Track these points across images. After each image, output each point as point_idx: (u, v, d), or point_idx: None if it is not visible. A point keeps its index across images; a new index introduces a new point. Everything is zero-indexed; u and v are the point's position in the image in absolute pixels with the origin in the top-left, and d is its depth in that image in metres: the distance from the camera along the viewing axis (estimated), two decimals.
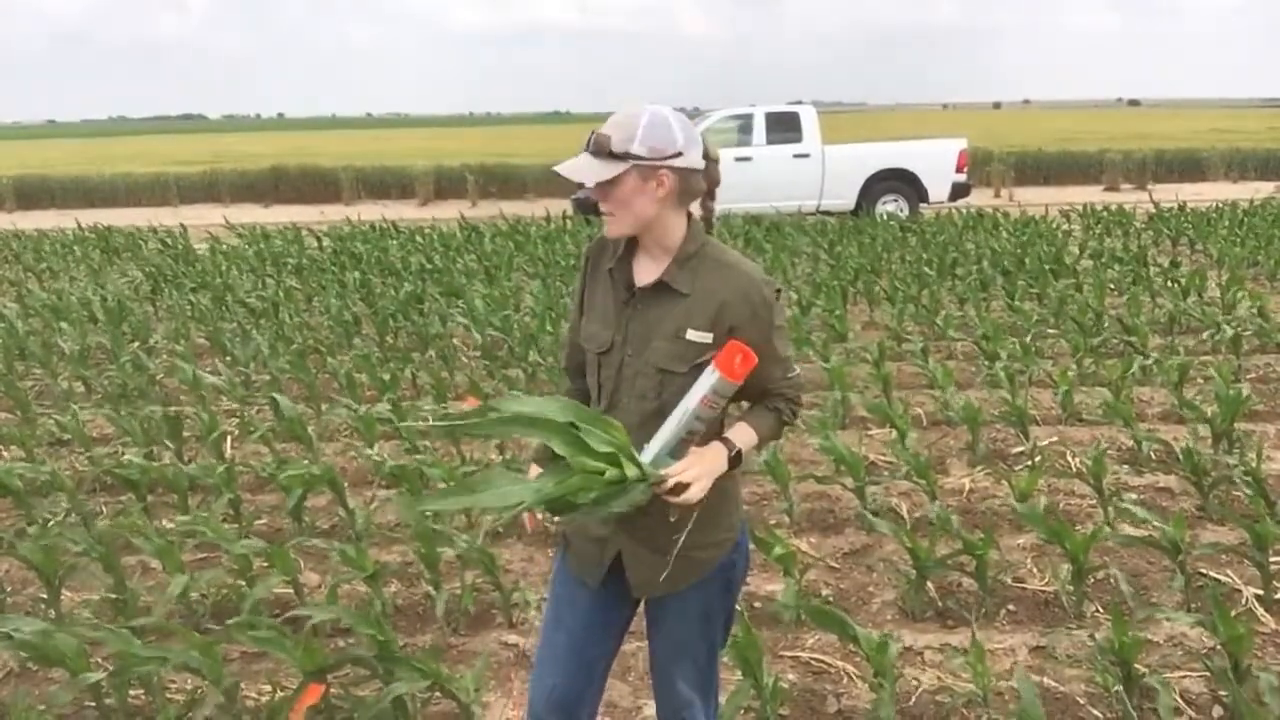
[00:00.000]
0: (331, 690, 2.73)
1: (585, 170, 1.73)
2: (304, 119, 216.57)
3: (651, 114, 1.74)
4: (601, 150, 1.73)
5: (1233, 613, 2.71)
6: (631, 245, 1.87)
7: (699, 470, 1.70)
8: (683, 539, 1.76)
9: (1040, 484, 4.13)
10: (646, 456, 1.65)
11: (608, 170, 1.72)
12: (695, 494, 1.68)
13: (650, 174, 1.73)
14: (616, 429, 1.59)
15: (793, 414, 1.92)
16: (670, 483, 1.65)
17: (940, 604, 3.37)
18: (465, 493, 1.53)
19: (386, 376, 5.78)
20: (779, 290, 1.83)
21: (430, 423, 1.77)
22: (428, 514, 3.49)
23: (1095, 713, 2.77)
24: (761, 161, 13.51)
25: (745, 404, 1.92)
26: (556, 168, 1.79)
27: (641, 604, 2.00)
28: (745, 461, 1.86)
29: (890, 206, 13.76)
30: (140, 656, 2.61)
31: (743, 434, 1.83)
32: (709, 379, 1.69)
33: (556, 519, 2.04)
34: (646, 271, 1.85)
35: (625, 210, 1.76)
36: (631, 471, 1.57)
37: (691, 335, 1.77)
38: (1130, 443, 4.72)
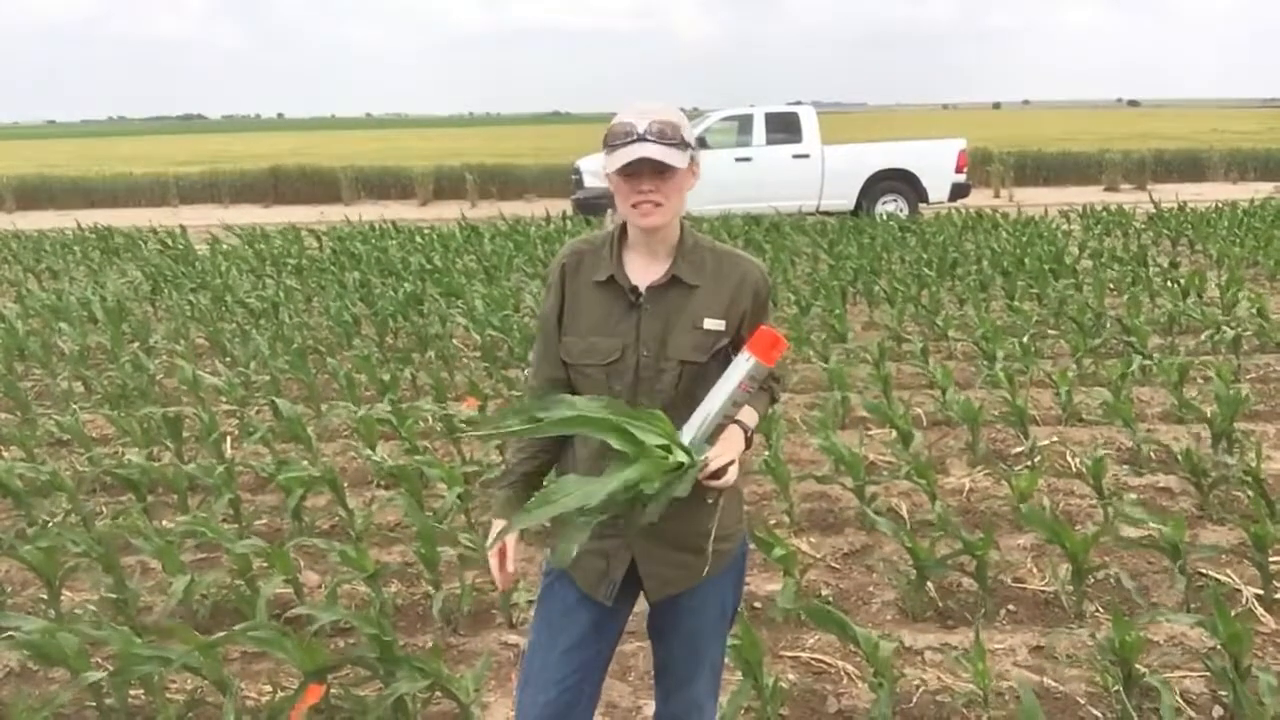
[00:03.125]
0: (331, 690, 2.72)
1: (670, 156, 1.72)
2: (304, 119, 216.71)
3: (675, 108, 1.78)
4: (674, 139, 1.73)
5: (1232, 613, 2.70)
6: (618, 250, 1.86)
7: (733, 453, 1.72)
8: (715, 528, 1.78)
9: (1040, 484, 4.13)
10: (684, 444, 1.67)
11: (683, 157, 1.75)
12: (733, 476, 1.70)
13: (693, 165, 1.79)
14: (660, 419, 1.61)
15: (779, 392, 1.98)
16: (713, 467, 1.67)
17: (940, 604, 3.38)
18: (547, 504, 1.55)
19: (386, 377, 5.78)
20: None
21: (486, 431, 1.76)
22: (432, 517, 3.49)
23: (1095, 713, 2.77)
24: (761, 162, 13.53)
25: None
26: (648, 154, 1.70)
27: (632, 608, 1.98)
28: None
29: (890, 207, 13.77)
30: (141, 656, 2.61)
31: (749, 416, 1.85)
32: (745, 365, 1.73)
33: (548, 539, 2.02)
34: (644, 271, 1.84)
35: (677, 198, 1.79)
36: (684, 458, 1.61)
37: (708, 324, 1.80)
38: (1130, 443, 4.72)
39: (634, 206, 1.77)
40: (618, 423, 1.56)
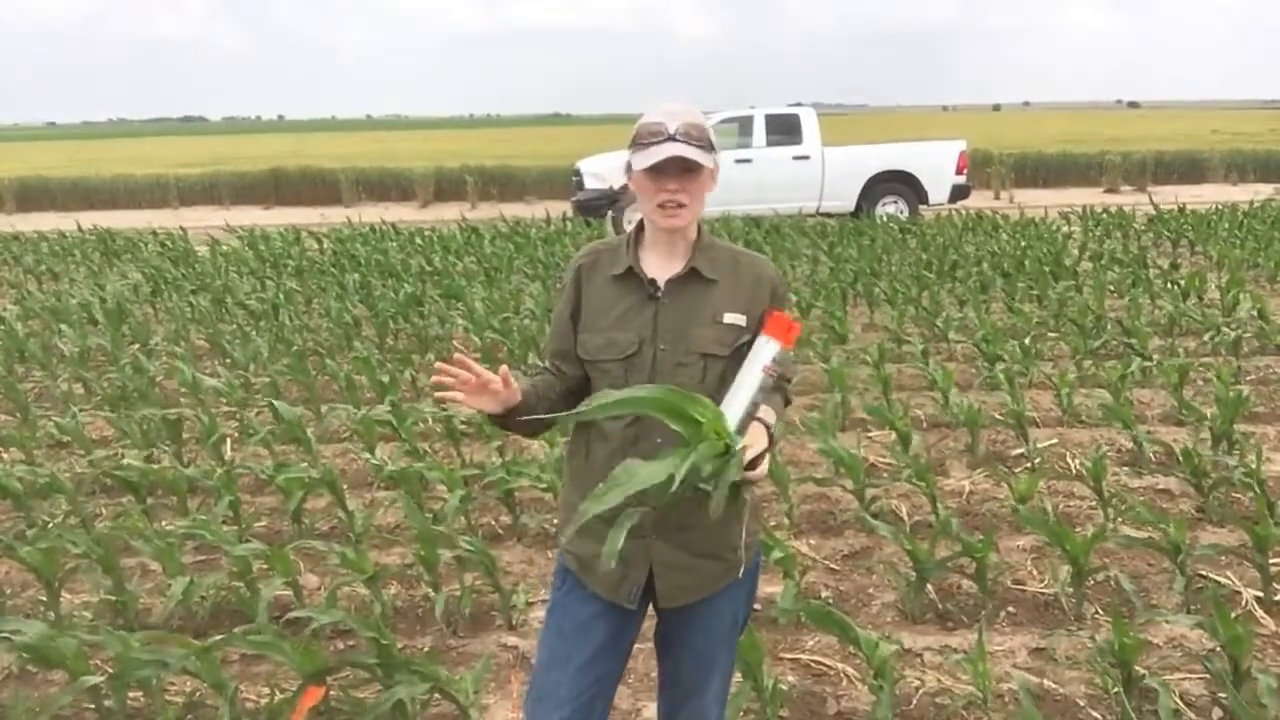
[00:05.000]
0: (331, 692, 2.72)
1: (699, 156, 1.74)
2: (304, 121, 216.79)
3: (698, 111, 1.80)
4: (701, 140, 1.75)
5: (1232, 614, 2.70)
6: (636, 249, 1.88)
7: (761, 445, 1.70)
8: (745, 534, 1.78)
9: (1040, 486, 4.13)
10: None
11: (709, 158, 1.77)
12: (765, 469, 1.69)
13: (715, 167, 1.82)
14: (706, 403, 1.58)
15: (790, 393, 1.99)
16: (750, 455, 1.64)
17: (940, 606, 3.37)
18: (617, 487, 1.51)
19: (386, 379, 5.78)
20: None
21: (556, 414, 1.70)
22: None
23: (1095, 715, 2.76)
24: (762, 163, 13.52)
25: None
26: (680, 153, 1.72)
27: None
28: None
29: (890, 208, 13.77)
30: (140, 660, 2.61)
31: (768, 414, 1.84)
32: (768, 350, 1.74)
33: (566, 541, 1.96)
34: (662, 268, 1.85)
35: (699, 200, 1.81)
36: (735, 443, 1.59)
37: (729, 318, 1.82)
38: (1130, 445, 4.72)
39: (660, 206, 1.78)
40: (673, 403, 1.54)
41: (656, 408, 1.55)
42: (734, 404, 1.71)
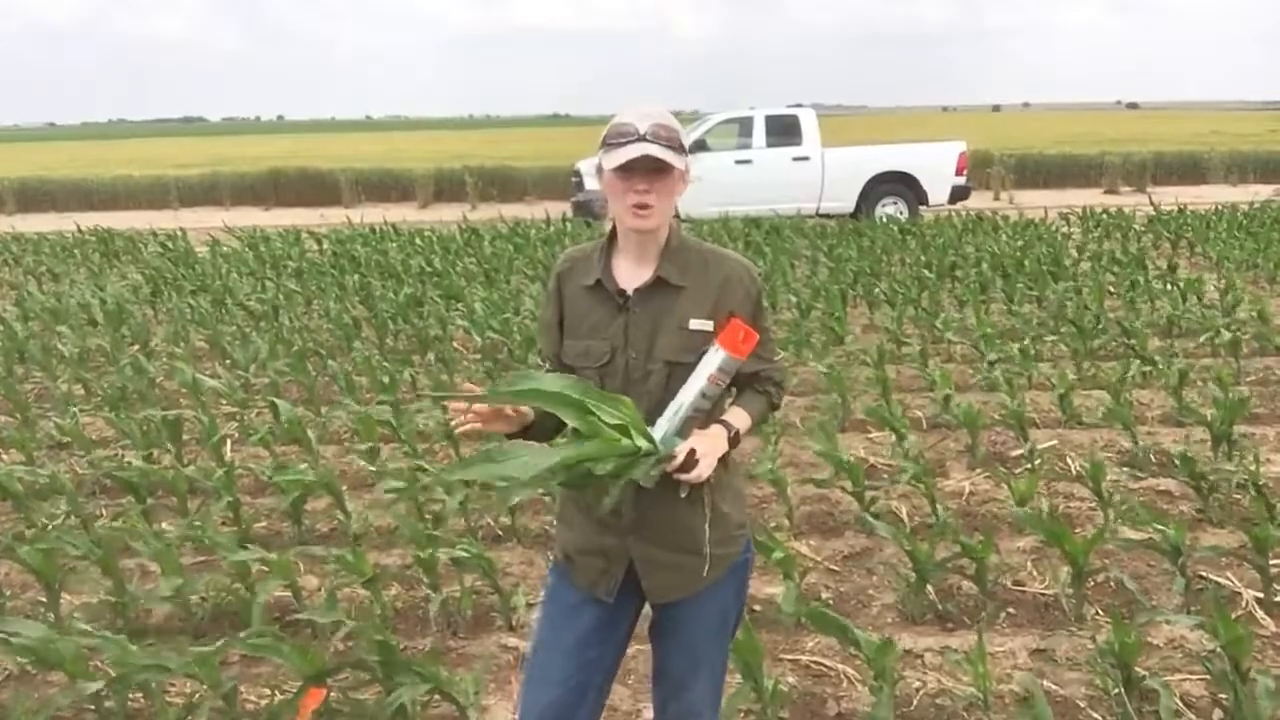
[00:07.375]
0: (331, 694, 2.72)
1: (670, 156, 1.75)
2: (304, 121, 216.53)
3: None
4: (673, 142, 1.76)
5: (1233, 615, 2.70)
6: (608, 255, 1.89)
7: (705, 447, 1.74)
8: (710, 530, 1.81)
9: (1040, 487, 4.13)
10: (655, 436, 1.69)
11: (680, 160, 1.78)
12: (704, 470, 1.72)
13: (686, 170, 1.83)
14: (626, 405, 1.63)
15: (779, 398, 2.00)
16: (680, 459, 1.68)
17: (940, 607, 3.37)
18: (489, 463, 1.57)
19: (386, 379, 5.78)
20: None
21: (438, 393, 1.69)
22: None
23: (1095, 715, 2.76)
24: (761, 164, 13.53)
25: (734, 389, 1.95)
26: (651, 152, 1.73)
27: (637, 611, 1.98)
28: (742, 443, 1.90)
29: (890, 209, 13.77)
30: (140, 665, 2.60)
31: (738, 417, 1.88)
32: (715, 358, 1.76)
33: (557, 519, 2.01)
34: (631, 275, 1.86)
35: (669, 202, 1.81)
36: (643, 444, 1.62)
37: (694, 325, 1.82)
38: (1130, 446, 4.72)
39: (629, 207, 1.79)
40: (577, 401, 1.59)
41: (556, 402, 1.59)
42: (671, 409, 1.75)
